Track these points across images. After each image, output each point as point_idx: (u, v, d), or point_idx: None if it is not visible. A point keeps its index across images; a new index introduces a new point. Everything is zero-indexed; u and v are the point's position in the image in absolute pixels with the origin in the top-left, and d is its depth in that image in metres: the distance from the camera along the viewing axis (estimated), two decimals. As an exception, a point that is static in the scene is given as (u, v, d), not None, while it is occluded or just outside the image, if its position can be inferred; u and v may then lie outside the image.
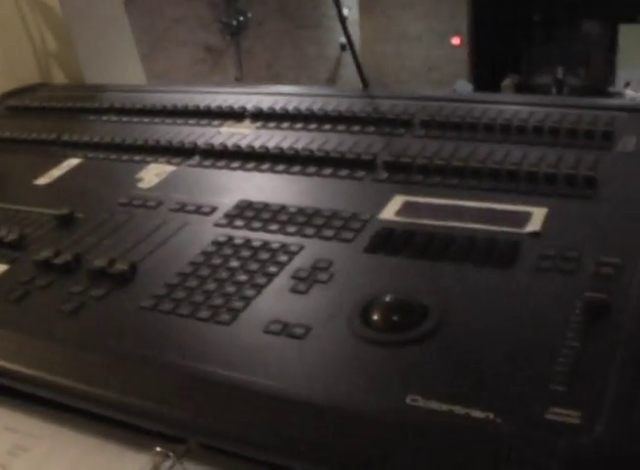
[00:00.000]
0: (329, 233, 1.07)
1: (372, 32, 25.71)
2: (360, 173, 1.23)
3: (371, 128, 1.36)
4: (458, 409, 0.73)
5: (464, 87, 23.40)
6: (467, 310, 0.87)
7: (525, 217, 1.05)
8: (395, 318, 0.86)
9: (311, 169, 1.27)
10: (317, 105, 1.47)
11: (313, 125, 1.41)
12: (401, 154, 1.25)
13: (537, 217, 1.04)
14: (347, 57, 21.36)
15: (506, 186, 1.13)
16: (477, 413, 0.72)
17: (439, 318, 0.86)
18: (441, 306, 0.88)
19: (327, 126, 1.39)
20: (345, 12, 22.34)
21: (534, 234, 1.01)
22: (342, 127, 1.38)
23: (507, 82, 24.36)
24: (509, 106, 1.37)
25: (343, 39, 20.94)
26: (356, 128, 1.37)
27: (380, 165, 1.24)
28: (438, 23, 25.62)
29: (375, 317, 0.87)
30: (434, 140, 1.30)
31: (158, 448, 0.84)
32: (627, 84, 23.60)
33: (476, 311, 0.87)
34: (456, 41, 25.54)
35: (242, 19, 20.23)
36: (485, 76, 26.49)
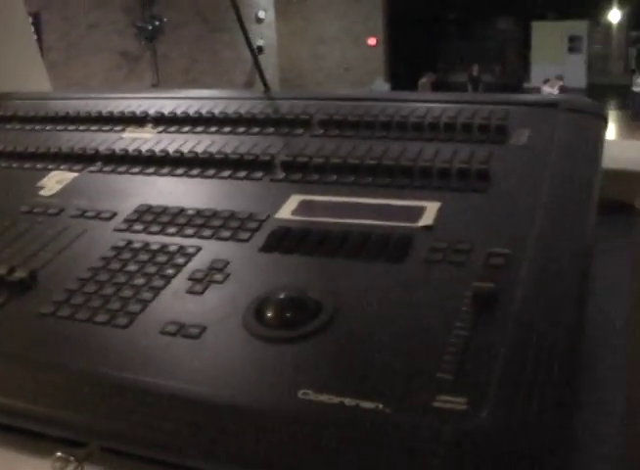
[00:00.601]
0: (226, 234, 1.08)
1: (289, 35, 25.76)
2: (258, 174, 1.24)
3: (270, 129, 1.38)
4: (348, 401, 0.74)
5: (381, 86, 23.63)
6: (359, 305, 0.89)
7: (419, 212, 1.07)
8: (288, 315, 0.87)
9: (210, 172, 1.27)
10: (218, 108, 1.47)
11: (214, 128, 1.41)
12: (299, 153, 1.27)
13: (430, 212, 1.07)
14: (264, 58, 21.34)
15: (401, 182, 1.16)
16: (367, 404, 0.74)
17: (332, 314, 0.87)
18: (335, 302, 0.89)
19: (227, 129, 1.40)
20: (262, 14, 22.27)
21: (427, 228, 1.03)
22: (241, 129, 1.39)
23: (424, 81, 24.70)
24: (407, 103, 1.39)
25: (261, 41, 20.94)
26: (256, 130, 1.38)
27: (278, 166, 1.25)
28: (354, 24, 25.84)
29: (268, 315, 0.87)
30: (331, 139, 1.31)
31: (58, 453, 0.84)
32: (546, 81, 24.13)
33: (368, 306, 0.89)
34: (372, 41, 25.82)
35: (157, 23, 19.96)
36: (402, 75, 26.76)
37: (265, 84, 1.59)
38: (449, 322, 0.84)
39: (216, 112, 1.46)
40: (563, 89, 23.53)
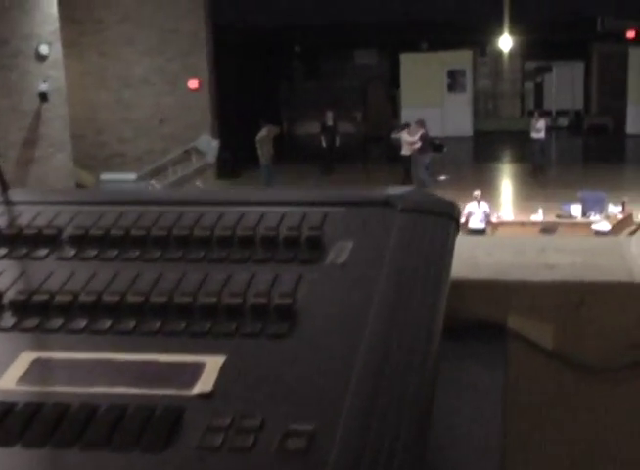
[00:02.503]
0: None
1: (82, 76, 25.74)
2: None
3: (2, 251, 1.32)
4: None
5: (207, 144, 23.89)
6: None
7: (196, 372, 1.06)
8: None
9: None
10: None
11: None
12: (37, 289, 1.22)
13: (211, 370, 1.06)
14: (49, 108, 21.16)
15: (175, 327, 1.15)
16: None
17: None
18: None
19: None
20: (44, 49, 22.12)
21: (204, 396, 1.02)
22: None
23: (263, 135, 25.19)
24: (197, 207, 1.38)
25: (44, 86, 20.77)
26: None
27: (6, 308, 1.20)
28: (170, 61, 26.12)
29: None
30: (85, 264, 1.28)
31: None
32: (406, 126, 25.04)
33: None
34: (193, 84, 26.18)
35: None
36: (234, 128, 27.13)
37: (3, 183, 1.53)
38: None
39: None
40: (424, 138, 24.44)
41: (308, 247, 1.26)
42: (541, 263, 1.61)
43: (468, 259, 1.62)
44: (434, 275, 1.22)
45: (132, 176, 22.58)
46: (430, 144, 25.13)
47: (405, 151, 24.99)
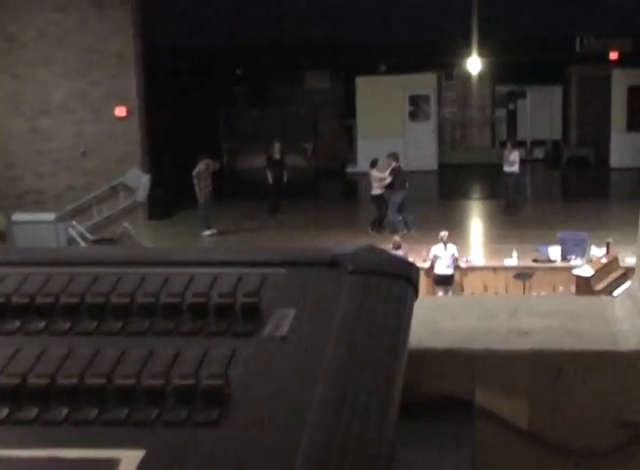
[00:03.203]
0: None
1: (-8, 101, 25.62)
2: None
3: None
4: None
5: (137, 179, 23.92)
6: None
7: (110, 468, 1.02)
8: None
9: None
10: None
11: None
12: None
13: (127, 468, 1.02)
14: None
15: (85, 415, 1.12)
16: None
17: None
18: None
19: None
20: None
21: None
22: None
23: (201, 169, 25.22)
24: (115, 268, 1.38)
25: None
26: None
27: None
28: (94, 85, 26.12)
29: None
30: None
31: None
32: (374, 163, 25.10)
33: None
34: (121, 112, 26.17)
35: None
36: (167, 162, 27.16)
37: None
38: None
39: None
40: (397, 173, 24.48)
41: (243, 316, 1.25)
42: (512, 328, 1.61)
43: (429, 325, 1.61)
44: (390, 346, 1.21)
45: (50, 216, 22.47)
46: (403, 180, 24.91)
47: (375, 190, 24.92)
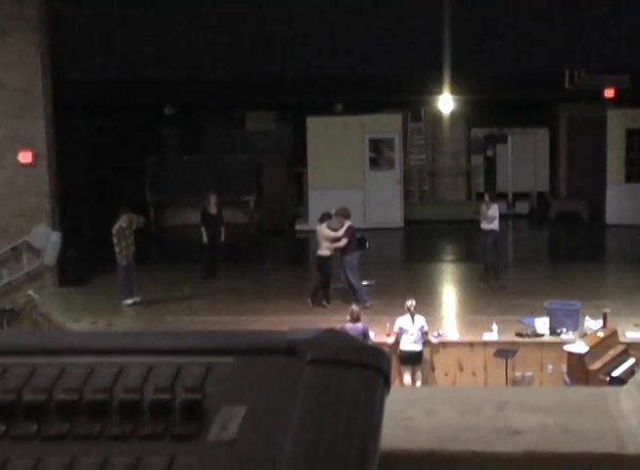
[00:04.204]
0: None
1: None
2: None
3: None
4: None
5: (44, 239, 23.85)
6: None
7: None
8: None
9: None
10: None
11: None
12: None
13: None
14: None
15: None
16: None
17: None
18: None
19: None
20: None
21: None
22: None
23: (121, 226, 25.27)
24: (28, 358, 1.38)
25: None
26: None
27: None
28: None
29: None
30: None
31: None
32: (324, 217, 24.99)
33: None
34: (25, 157, 26.15)
35: None
36: (81, 217, 27.06)
37: None
38: None
39: None
40: (351, 233, 24.28)
41: (183, 416, 1.25)
42: (500, 427, 1.61)
43: (402, 422, 1.62)
44: (358, 450, 1.21)
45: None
46: (357, 240, 24.58)
47: (323, 250, 24.55)
